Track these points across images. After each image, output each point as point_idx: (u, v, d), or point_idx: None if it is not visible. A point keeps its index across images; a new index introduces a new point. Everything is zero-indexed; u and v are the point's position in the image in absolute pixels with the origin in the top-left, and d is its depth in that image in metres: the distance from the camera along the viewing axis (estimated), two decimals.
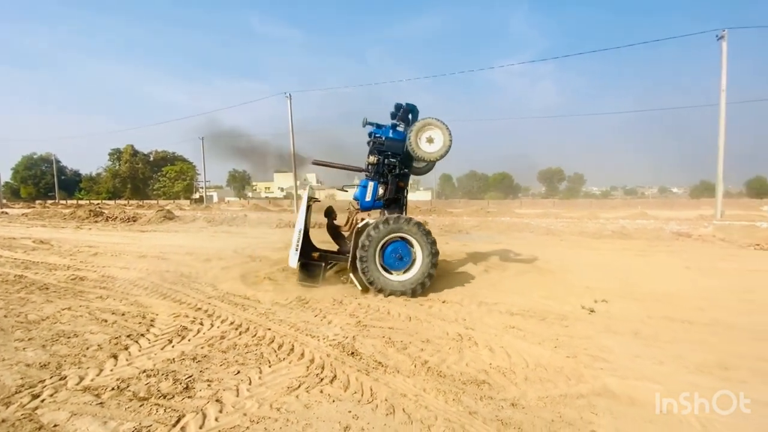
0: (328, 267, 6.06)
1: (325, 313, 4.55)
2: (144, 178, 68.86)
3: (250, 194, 77.35)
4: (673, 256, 8.86)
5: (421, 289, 5.43)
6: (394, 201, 6.29)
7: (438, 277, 6.25)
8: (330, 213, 6.65)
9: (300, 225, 5.63)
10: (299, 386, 2.81)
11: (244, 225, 17.36)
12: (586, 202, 47.15)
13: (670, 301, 5.12)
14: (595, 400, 2.64)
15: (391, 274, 5.52)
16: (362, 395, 2.71)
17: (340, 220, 6.80)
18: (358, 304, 4.86)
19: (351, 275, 5.63)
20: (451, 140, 6.00)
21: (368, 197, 6.18)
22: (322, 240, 6.48)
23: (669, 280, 6.30)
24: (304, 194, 6.08)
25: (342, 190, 7.48)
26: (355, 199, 6.43)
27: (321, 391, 2.75)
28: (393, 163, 6.23)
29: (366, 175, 6.40)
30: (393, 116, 6.49)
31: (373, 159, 6.23)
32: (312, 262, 5.84)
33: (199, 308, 4.76)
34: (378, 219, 5.64)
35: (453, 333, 3.93)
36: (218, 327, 4.10)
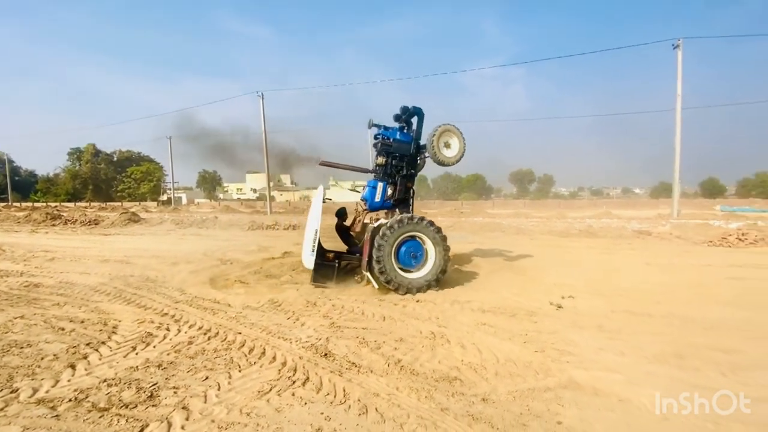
0: (341, 267, 6.06)
1: (298, 315, 4.48)
2: (107, 179, 65.76)
3: (221, 195, 75.32)
4: (635, 253, 9.31)
5: (435, 284, 5.64)
6: (403, 201, 6.43)
7: None
8: (342, 214, 6.72)
9: (316, 225, 5.56)
10: (270, 390, 2.75)
11: (215, 227, 16.88)
12: (555, 202, 48.89)
13: (631, 295, 5.37)
14: (561, 393, 2.73)
15: (406, 272, 5.63)
16: (335, 396, 2.69)
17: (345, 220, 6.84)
18: (332, 306, 4.82)
19: (368, 275, 5.64)
20: (465, 146, 6.29)
21: (378, 197, 6.29)
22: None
23: (631, 276, 6.61)
24: (318, 194, 6.00)
25: (354, 190, 7.53)
26: (363, 199, 6.48)
27: (293, 394, 2.71)
28: (401, 165, 6.37)
29: (374, 176, 6.50)
30: (397, 118, 6.57)
31: (381, 160, 6.33)
32: (326, 263, 5.84)
33: (166, 313, 4.58)
34: (392, 219, 5.73)
35: (426, 331, 3.96)
36: (186, 332, 3.96)
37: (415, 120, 6.49)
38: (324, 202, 5.95)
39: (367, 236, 5.77)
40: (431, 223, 5.80)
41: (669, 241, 11.67)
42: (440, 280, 5.70)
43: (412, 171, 6.53)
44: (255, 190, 75.42)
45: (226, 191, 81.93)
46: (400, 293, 5.41)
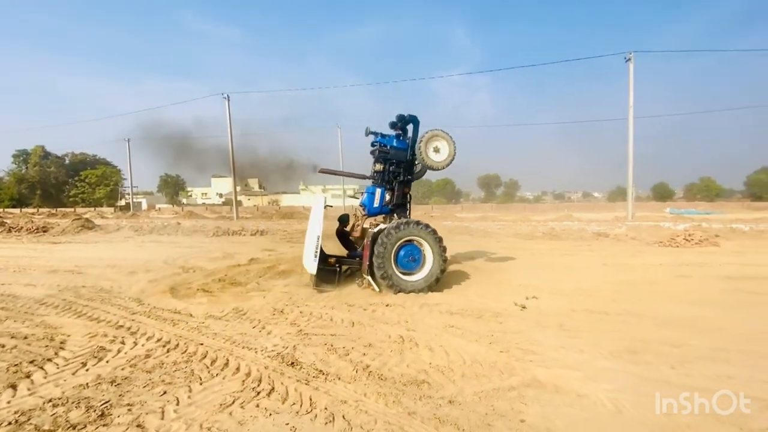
0: (343, 271, 6.23)
1: (264, 323, 4.36)
2: (58, 184, 61.51)
3: (184, 200, 72.38)
4: (594, 254, 9.77)
5: (435, 283, 5.86)
6: (400, 206, 6.66)
7: None
8: (345, 219, 6.93)
9: (318, 231, 5.73)
10: (233, 402, 2.66)
11: (177, 234, 16.18)
12: (521, 206, 50.60)
13: (590, 294, 5.63)
14: (524, 391, 2.81)
15: (406, 275, 5.83)
16: (301, 406, 2.63)
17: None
18: (300, 313, 4.73)
19: (369, 278, 5.82)
20: (455, 150, 6.53)
21: (376, 203, 6.51)
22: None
23: (590, 276, 6.92)
24: (320, 201, 6.14)
25: (353, 197, 7.75)
26: (362, 205, 6.67)
27: (257, 406, 2.62)
28: (398, 171, 6.60)
29: (372, 182, 6.73)
30: (393, 126, 6.79)
31: (379, 167, 6.57)
32: (328, 268, 6.00)
33: (121, 326, 4.34)
34: (390, 224, 5.94)
35: (395, 335, 3.96)
36: (143, 345, 3.77)
37: (410, 127, 6.71)
38: (325, 208, 6.09)
39: (367, 241, 5.94)
40: (427, 227, 6.01)
41: (624, 242, 12.34)
42: (439, 281, 5.90)
43: (409, 177, 6.75)
44: (221, 195, 72.97)
45: (190, 196, 78.82)
46: (398, 292, 5.61)
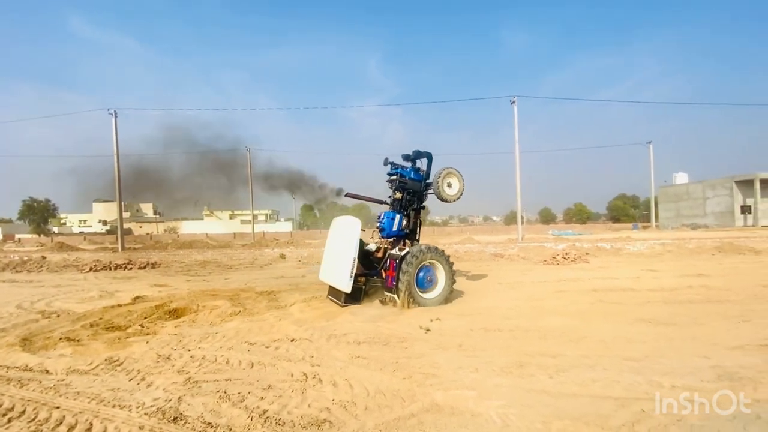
0: (367, 288, 6.88)
1: (145, 374, 3.79)
2: None
3: (55, 229, 61.40)
4: (491, 274, 10.69)
5: (445, 300, 6.67)
6: (411, 231, 7.48)
7: (289, 315, 6.07)
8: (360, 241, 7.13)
9: (354, 253, 6.26)
10: None
11: (41, 270, 13.55)
12: (430, 229, 53.71)
13: (487, 313, 6.09)
14: (424, 417, 2.86)
15: (423, 292, 6.56)
16: None
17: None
18: (191, 357, 4.23)
19: (394, 295, 6.42)
20: (464, 186, 7.50)
21: (395, 227, 7.23)
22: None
23: (486, 296, 7.52)
24: (356, 224, 6.64)
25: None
26: (380, 227, 7.32)
27: None
28: (413, 200, 7.48)
29: (390, 208, 7.44)
30: (406, 158, 7.57)
31: (398, 195, 7.32)
32: (356, 286, 6.47)
33: None
34: (415, 249, 6.61)
35: (298, 373, 3.76)
36: None
37: (423, 161, 7.58)
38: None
39: (391, 261, 6.56)
40: (442, 252, 6.79)
41: (516, 262, 13.78)
42: (448, 297, 6.75)
43: (421, 206, 7.61)
44: (105, 222, 63.62)
45: (64, 224, 67.23)
46: (407, 307, 6.27)
